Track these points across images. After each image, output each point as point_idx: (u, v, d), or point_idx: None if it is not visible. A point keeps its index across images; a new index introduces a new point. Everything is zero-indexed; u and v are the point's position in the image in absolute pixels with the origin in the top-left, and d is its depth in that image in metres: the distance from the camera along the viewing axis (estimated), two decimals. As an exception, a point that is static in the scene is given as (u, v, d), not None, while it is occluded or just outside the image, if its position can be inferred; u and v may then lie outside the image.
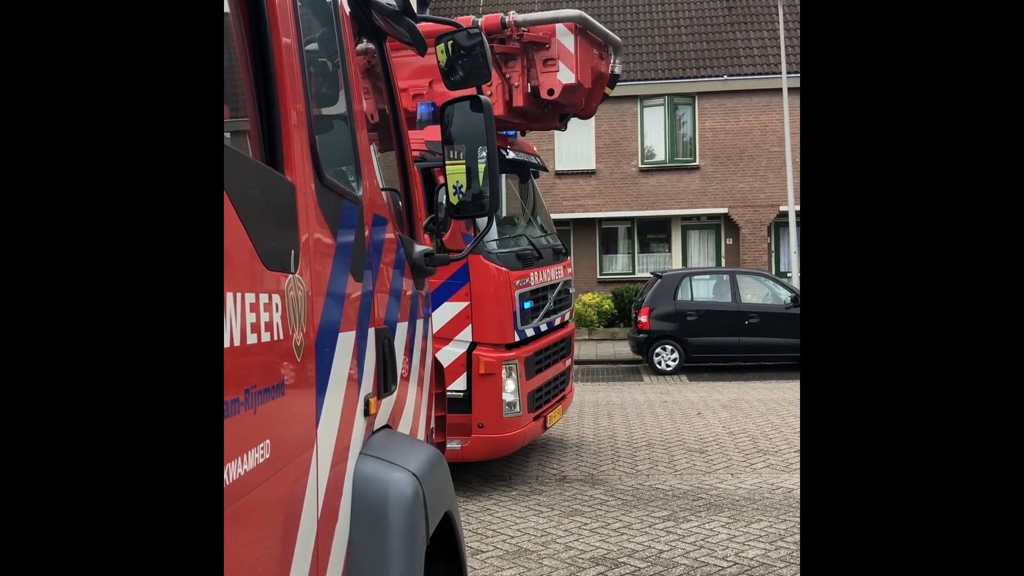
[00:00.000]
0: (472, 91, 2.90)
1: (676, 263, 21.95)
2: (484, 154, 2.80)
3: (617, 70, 7.51)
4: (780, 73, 18.20)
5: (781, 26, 17.89)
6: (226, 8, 1.52)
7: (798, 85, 18.43)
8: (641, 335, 14.72)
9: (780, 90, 18.17)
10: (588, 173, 21.63)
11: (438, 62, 3.02)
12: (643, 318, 14.62)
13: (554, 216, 22.29)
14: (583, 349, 18.21)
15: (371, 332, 2.21)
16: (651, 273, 16.96)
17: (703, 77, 21.37)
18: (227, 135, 1.67)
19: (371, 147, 2.48)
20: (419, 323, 2.91)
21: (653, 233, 22.58)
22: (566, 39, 6.65)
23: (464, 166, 2.81)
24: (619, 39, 7.55)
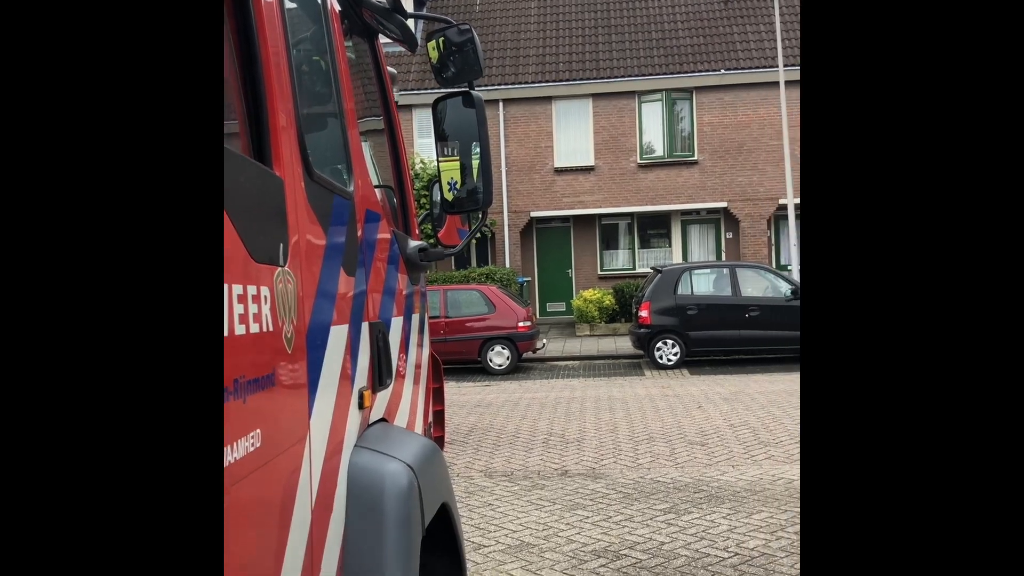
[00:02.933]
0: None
1: (676, 258, 21.96)
2: (478, 149, 2.83)
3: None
4: (777, 66, 18.20)
5: (777, 19, 17.89)
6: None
7: (795, 78, 18.57)
8: (642, 330, 14.75)
9: (777, 83, 18.17)
10: (587, 169, 21.63)
11: (429, 59, 3.05)
12: (644, 313, 14.65)
13: (554, 213, 22.55)
14: (584, 345, 18.22)
15: (365, 326, 2.23)
16: (651, 268, 16.98)
17: (700, 72, 21.36)
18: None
19: (363, 144, 2.50)
20: (415, 318, 2.93)
21: (653, 228, 22.58)
22: None
23: (458, 162, 2.84)
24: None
